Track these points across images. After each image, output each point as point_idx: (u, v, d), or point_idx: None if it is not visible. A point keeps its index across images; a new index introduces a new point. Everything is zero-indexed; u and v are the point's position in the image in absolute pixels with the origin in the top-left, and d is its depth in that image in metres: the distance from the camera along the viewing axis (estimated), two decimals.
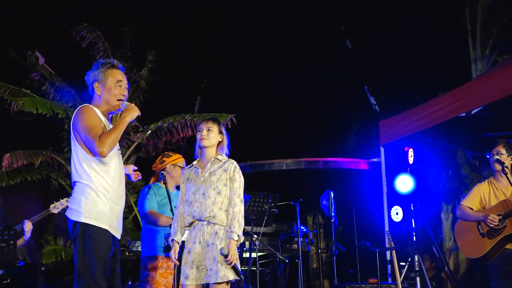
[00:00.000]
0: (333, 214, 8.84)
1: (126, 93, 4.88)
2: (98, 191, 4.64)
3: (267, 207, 8.04)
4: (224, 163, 5.17)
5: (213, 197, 5.09)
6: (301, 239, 8.44)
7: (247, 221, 7.77)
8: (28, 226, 8.12)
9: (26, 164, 9.92)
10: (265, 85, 12.89)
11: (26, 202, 10.49)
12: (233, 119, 10.40)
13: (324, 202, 8.87)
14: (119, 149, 4.93)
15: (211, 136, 5.16)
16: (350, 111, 12.77)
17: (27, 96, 9.88)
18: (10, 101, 9.68)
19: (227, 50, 12.48)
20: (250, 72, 12.90)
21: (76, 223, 4.63)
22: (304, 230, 8.76)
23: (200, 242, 5.06)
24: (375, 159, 10.82)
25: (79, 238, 4.62)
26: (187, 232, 5.14)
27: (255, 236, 7.46)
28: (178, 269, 5.32)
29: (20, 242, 8.23)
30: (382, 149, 9.85)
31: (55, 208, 8.05)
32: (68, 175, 10.40)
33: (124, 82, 4.89)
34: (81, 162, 4.67)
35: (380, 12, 11.99)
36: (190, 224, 5.12)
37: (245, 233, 7.42)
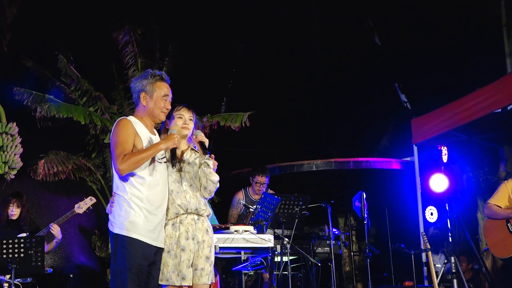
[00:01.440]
0: (365, 215, 8.79)
1: (170, 107, 5.02)
2: (131, 202, 4.75)
3: (297, 209, 8.00)
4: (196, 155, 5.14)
5: (200, 191, 5.08)
6: (333, 241, 8.42)
7: (278, 224, 7.81)
8: (55, 228, 8.22)
9: (61, 170, 9.99)
10: (294, 83, 12.84)
11: (60, 204, 10.59)
12: (247, 120, 10.35)
13: (356, 204, 8.84)
14: (162, 158, 4.98)
15: (191, 127, 5.15)
16: (381, 110, 12.69)
17: (52, 101, 9.96)
18: (35, 108, 9.75)
19: (252, 47, 12.43)
20: (277, 69, 12.86)
21: (112, 233, 4.80)
22: (336, 232, 8.72)
23: (193, 239, 4.99)
24: (408, 158, 10.79)
25: (113, 248, 4.81)
26: (168, 226, 5.00)
27: (286, 239, 7.46)
28: None
29: (51, 245, 8.34)
30: (415, 148, 9.80)
31: (80, 208, 8.14)
32: (99, 179, 10.54)
33: (170, 96, 5.03)
34: (119, 174, 4.80)
35: (409, 5, 11.89)
36: (175, 217, 5.02)
37: (275, 236, 7.47)
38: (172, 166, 4.93)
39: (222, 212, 9.32)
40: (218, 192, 11.46)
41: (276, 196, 7.73)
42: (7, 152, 9.33)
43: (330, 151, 13.08)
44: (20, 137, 9.46)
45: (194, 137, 5.07)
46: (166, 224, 4.99)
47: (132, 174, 4.77)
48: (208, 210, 5.12)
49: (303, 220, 8.19)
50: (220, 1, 11.76)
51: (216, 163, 5.16)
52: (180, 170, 5.06)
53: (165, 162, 5.03)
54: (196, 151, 5.12)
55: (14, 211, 8.31)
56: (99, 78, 10.57)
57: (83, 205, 8.09)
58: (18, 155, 9.41)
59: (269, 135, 12.99)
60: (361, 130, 13.03)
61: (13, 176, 9.44)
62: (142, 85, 4.99)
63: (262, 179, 8.79)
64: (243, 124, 10.40)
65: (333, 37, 12.82)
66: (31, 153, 9.90)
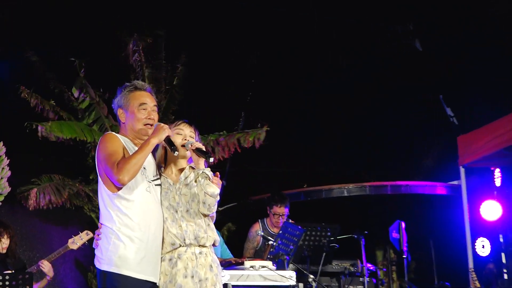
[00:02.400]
0: (405, 248, 8.59)
1: (153, 116, 4.85)
2: (120, 233, 4.58)
3: (325, 241, 7.86)
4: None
5: (199, 215, 4.84)
6: (368, 279, 8.22)
7: (302, 259, 7.62)
8: (46, 266, 8.10)
9: (53, 201, 9.90)
10: (323, 96, 12.71)
11: (54, 235, 10.48)
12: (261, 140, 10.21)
13: (393, 235, 8.63)
14: (154, 180, 4.82)
15: (194, 142, 4.94)
16: (423, 126, 12.48)
17: (55, 112, 9.94)
18: (34, 125, 9.67)
19: (271, 57, 12.34)
20: (303, 84, 12.74)
21: (100, 271, 4.64)
22: (371, 268, 8.56)
23: (192, 277, 4.74)
24: (455, 182, 10.58)
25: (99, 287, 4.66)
26: (164, 262, 4.78)
27: (311, 276, 7.25)
28: None
29: (42, 284, 8.20)
30: (462, 170, 9.61)
31: (74, 243, 8.01)
32: (97, 207, 10.39)
33: (150, 105, 4.86)
34: (104, 200, 4.67)
35: (452, 8, 11.74)
36: (172, 250, 4.79)
37: (299, 273, 7.25)
38: (173, 152, 4.74)
39: (238, 242, 9.16)
40: (234, 219, 11.61)
41: (299, 226, 7.51)
42: None
43: (364, 174, 12.85)
44: (7, 159, 9.34)
45: (189, 146, 4.85)
46: (162, 259, 4.79)
47: (120, 198, 4.60)
48: (212, 237, 4.86)
49: (332, 254, 8.01)
50: (233, 9, 11.67)
51: (220, 182, 4.94)
52: (175, 193, 4.84)
53: (157, 185, 4.84)
54: (194, 169, 4.91)
55: (5, 244, 8.16)
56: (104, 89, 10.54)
57: (78, 240, 7.97)
58: (6, 179, 9.29)
59: (296, 155, 12.81)
60: (400, 150, 12.82)
61: (0, 203, 9.32)
62: (117, 101, 4.92)
63: (281, 209, 8.56)
64: (257, 141, 10.24)
65: (365, 44, 12.69)
66: (21, 177, 9.81)
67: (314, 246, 7.78)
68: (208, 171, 4.79)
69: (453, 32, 11.76)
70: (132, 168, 4.53)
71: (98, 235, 4.70)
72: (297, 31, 12.29)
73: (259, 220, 8.88)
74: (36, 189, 9.85)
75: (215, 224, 10.48)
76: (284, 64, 12.63)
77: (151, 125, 4.80)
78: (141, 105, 4.82)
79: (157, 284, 4.71)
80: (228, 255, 8.08)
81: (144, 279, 4.60)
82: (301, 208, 10.43)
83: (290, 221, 8.71)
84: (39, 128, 9.72)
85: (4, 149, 9.36)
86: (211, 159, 4.78)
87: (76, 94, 10.43)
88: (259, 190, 11.30)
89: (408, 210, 11.19)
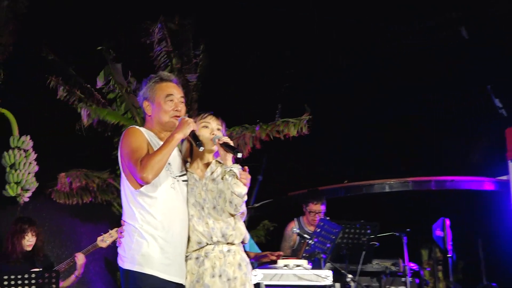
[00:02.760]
0: (449, 247, 8.49)
1: (181, 108, 4.81)
2: (143, 231, 4.55)
3: (364, 239, 7.80)
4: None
5: (226, 212, 4.77)
6: (410, 279, 8.13)
7: (340, 258, 7.56)
8: (80, 259, 8.12)
9: (82, 187, 9.89)
10: (360, 89, 12.60)
11: (83, 232, 10.53)
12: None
13: (437, 233, 8.53)
14: (180, 175, 4.79)
15: (221, 136, 4.86)
16: (470, 118, 12.30)
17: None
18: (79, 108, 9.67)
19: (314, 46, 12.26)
20: (342, 73, 12.65)
21: (123, 270, 4.62)
22: (414, 267, 8.44)
23: (220, 276, 4.68)
24: (504, 177, 10.43)
25: (123, 287, 4.63)
26: (190, 260, 4.74)
27: (350, 276, 7.19)
28: None
29: (69, 281, 8.23)
30: (510, 164, 9.45)
31: (103, 241, 8.01)
32: None
33: (177, 96, 4.81)
34: (127, 196, 4.64)
35: None
36: (198, 248, 4.75)
37: (336, 272, 7.20)
38: (199, 148, 4.67)
39: (277, 240, 9.12)
40: (272, 217, 11.56)
41: (337, 224, 7.46)
42: (20, 171, 9.32)
43: (407, 169, 12.71)
44: (35, 153, 9.43)
45: (216, 141, 4.81)
46: (188, 258, 4.75)
47: (143, 195, 4.57)
48: (241, 234, 4.82)
49: (372, 253, 7.95)
50: None
51: (249, 178, 4.90)
52: (201, 189, 4.82)
53: (184, 181, 4.80)
54: (222, 163, 4.87)
55: (31, 241, 8.19)
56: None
57: (108, 238, 7.96)
58: (33, 174, 9.38)
59: (336, 150, 12.73)
60: (445, 143, 12.66)
61: (27, 199, 9.40)
62: (143, 93, 4.88)
63: (317, 207, 8.54)
64: (301, 131, 10.16)
65: (410, 32, 12.55)
66: (48, 172, 9.83)
67: (353, 245, 7.72)
68: (236, 169, 4.71)
69: (501, 18, 11.55)
70: (156, 165, 4.48)
71: (121, 232, 4.69)
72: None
73: (295, 218, 8.85)
74: (64, 174, 9.78)
75: (250, 221, 10.55)
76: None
77: (178, 117, 4.75)
78: (167, 97, 4.77)
79: (183, 284, 4.67)
80: (256, 250, 8.04)
81: (168, 279, 4.57)
82: (341, 205, 10.37)
83: (328, 218, 8.70)
84: (83, 111, 9.70)
85: (31, 143, 9.45)
86: (240, 155, 4.69)
87: (99, 83, 10.37)
88: (297, 186, 11.22)
89: (454, 207, 11.09)
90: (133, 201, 4.60)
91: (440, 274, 12.27)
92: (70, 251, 9.49)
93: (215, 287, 4.65)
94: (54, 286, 7.02)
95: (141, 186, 4.55)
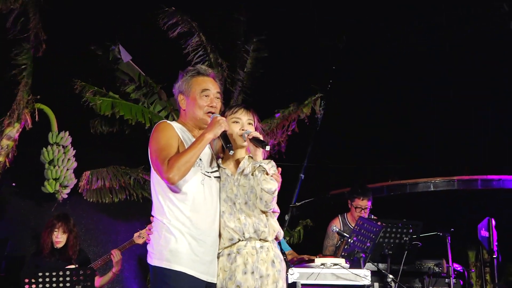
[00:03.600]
0: (495, 248, 8.28)
1: (216, 104, 4.75)
2: (171, 226, 4.52)
3: (407, 239, 7.63)
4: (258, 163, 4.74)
5: (258, 208, 4.70)
6: (454, 280, 7.97)
7: (382, 257, 7.44)
8: (116, 256, 8.11)
9: (109, 186, 9.87)
10: (407, 79, 12.43)
11: (120, 230, 10.53)
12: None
13: (482, 233, 8.32)
14: (212, 172, 4.73)
15: (251, 131, 4.79)
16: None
17: (111, 98, 9.93)
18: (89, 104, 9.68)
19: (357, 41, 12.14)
20: (388, 68, 12.50)
21: (151, 266, 4.60)
22: (458, 268, 8.27)
23: (253, 273, 4.62)
24: None
25: (151, 284, 4.63)
26: (222, 257, 4.70)
27: (391, 276, 7.04)
28: None
29: (106, 278, 8.22)
30: None
31: (140, 237, 7.99)
32: None
33: (213, 91, 4.76)
34: (156, 190, 4.62)
35: None
36: (230, 245, 4.70)
37: (377, 272, 7.07)
38: (229, 151, 4.60)
39: (315, 240, 9.07)
40: (311, 215, 11.44)
41: (378, 223, 7.32)
42: (58, 167, 9.33)
43: (454, 168, 12.50)
44: (73, 149, 9.44)
45: (246, 136, 4.72)
46: (220, 255, 4.70)
47: (172, 190, 4.52)
48: (274, 231, 4.73)
49: (415, 253, 7.78)
50: None
51: (280, 178, 4.80)
52: (233, 184, 4.74)
53: (216, 177, 4.74)
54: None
55: (60, 238, 8.21)
56: (160, 76, 10.50)
57: (145, 234, 7.91)
58: (71, 171, 9.40)
59: (382, 148, 12.58)
60: (494, 141, 12.44)
61: (66, 196, 9.42)
62: (179, 86, 4.84)
63: (363, 202, 8.48)
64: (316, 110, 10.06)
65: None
66: (87, 169, 9.87)
67: (395, 244, 7.55)
68: (265, 165, 4.65)
69: None
70: (183, 166, 4.43)
71: (150, 229, 4.65)
72: None
73: (339, 215, 8.78)
74: (89, 172, 9.81)
75: (292, 220, 10.44)
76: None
77: (212, 113, 4.70)
78: (203, 91, 4.73)
79: (214, 283, 4.63)
80: (287, 249, 7.95)
81: (197, 276, 4.52)
82: (385, 204, 10.22)
83: (373, 216, 8.58)
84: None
85: (70, 139, 9.47)
86: (268, 148, 4.65)
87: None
88: (339, 185, 11.11)
89: (502, 206, 10.86)
90: (163, 196, 4.56)
91: (487, 277, 12.05)
92: (107, 249, 9.54)
93: (247, 284, 4.61)
94: (89, 283, 7.00)
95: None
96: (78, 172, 9.60)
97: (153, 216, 4.64)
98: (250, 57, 10.85)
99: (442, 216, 10.67)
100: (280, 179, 4.77)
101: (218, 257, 4.69)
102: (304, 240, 11.23)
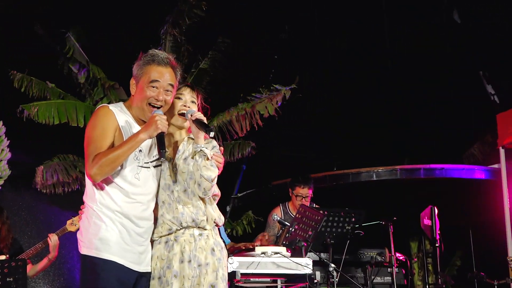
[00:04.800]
0: (437, 237, 8.32)
1: (163, 97, 4.45)
2: (101, 214, 4.36)
3: (349, 228, 7.63)
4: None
5: (197, 195, 4.56)
6: (397, 269, 8.01)
7: (324, 247, 7.42)
8: (53, 240, 7.91)
9: (62, 181, 9.70)
10: (355, 71, 12.47)
11: (63, 220, 10.36)
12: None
13: (425, 221, 8.35)
14: (152, 160, 4.55)
15: (194, 111, 4.63)
16: (461, 104, 12.17)
17: (53, 94, 9.72)
18: (21, 110, 9.53)
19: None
20: (336, 57, 12.55)
21: (81, 256, 4.44)
22: (401, 258, 8.27)
23: (190, 261, 4.51)
24: (496, 166, 10.28)
25: (80, 273, 4.50)
26: (159, 245, 4.58)
27: (333, 265, 6.97)
28: None
29: (43, 264, 8.03)
30: (501, 151, 9.30)
31: (73, 224, 7.81)
32: None
33: (164, 83, 4.45)
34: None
35: None
36: (168, 233, 4.57)
37: (320, 262, 7.03)
38: (161, 158, 4.39)
39: (258, 232, 8.97)
40: (256, 208, 11.36)
41: (318, 211, 7.26)
42: None
43: (398, 158, 12.57)
44: (7, 140, 9.23)
45: (189, 116, 4.55)
46: (158, 243, 4.58)
47: (106, 179, 4.35)
48: (212, 219, 4.61)
49: (357, 242, 7.76)
50: None
51: (223, 160, 4.68)
52: (172, 170, 4.59)
53: (155, 167, 4.57)
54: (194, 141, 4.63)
55: None
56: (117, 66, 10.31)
57: (77, 221, 7.71)
58: (6, 162, 9.16)
59: (327, 138, 12.60)
60: (436, 131, 12.55)
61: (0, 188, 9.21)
62: (134, 69, 4.57)
63: (304, 191, 8.43)
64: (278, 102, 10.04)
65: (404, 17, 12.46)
66: (36, 158, 9.72)
67: (337, 233, 7.55)
68: (207, 150, 4.51)
69: (495, 2, 11.43)
70: (107, 166, 4.26)
71: (81, 215, 4.51)
72: None
73: (280, 204, 8.72)
74: (42, 167, 9.63)
75: (233, 211, 10.35)
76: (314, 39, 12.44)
77: (158, 108, 4.43)
78: (152, 82, 4.43)
79: (147, 272, 4.50)
80: (225, 240, 7.87)
81: (128, 266, 4.39)
82: (326, 194, 10.21)
83: (315, 205, 8.53)
84: (24, 112, 9.52)
85: (3, 129, 9.23)
86: (212, 134, 4.47)
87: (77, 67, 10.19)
88: (282, 175, 11.05)
89: (446, 197, 10.99)
90: (94, 182, 4.39)
91: (430, 267, 12.14)
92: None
93: (184, 273, 4.49)
94: (20, 275, 6.85)
95: None
96: (25, 162, 9.38)
97: (84, 202, 4.48)
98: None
99: (386, 206, 10.70)
100: (222, 160, 4.66)
101: (155, 245, 4.57)
102: (246, 233, 11.15)
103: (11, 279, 6.80)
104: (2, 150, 9.19)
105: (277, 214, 8.38)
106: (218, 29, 11.05)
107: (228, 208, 10.67)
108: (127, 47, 9.83)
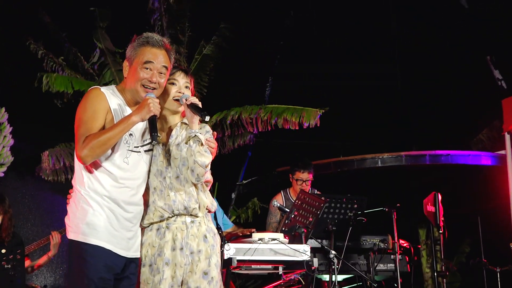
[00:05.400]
0: (441, 223, 8.23)
1: (157, 79, 4.41)
2: (89, 198, 4.31)
3: (351, 214, 7.59)
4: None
5: (190, 182, 4.51)
6: (400, 256, 7.94)
7: (326, 233, 7.38)
8: (55, 238, 7.90)
9: (69, 165, 9.68)
10: (362, 57, 12.39)
11: (66, 207, 10.34)
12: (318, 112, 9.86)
13: (428, 208, 8.25)
14: (143, 145, 4.50)
15: (189, 96, 4.58)
16: (468, 90, 12.05)
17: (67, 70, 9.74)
18: (40, 77, 9.48)
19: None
20: (341, 44, 12.46)
21: (69, 240, 4.39)
22: (405, 244, 8.19)
23: (182, 249, 4.47)
24: (503, 152, 10.17)
25: (68, 259, 4.45)
26: (151, 232, 4.54)
27: (333, 252, 6.92)
28: None
29: (42, 260, 8.01)
30: (507, 137, 9.18)
31: None
32: None
33: (158, 65, 4.41)
34: (77, 160, 4.36)
35: None
36: (160, 220, 4.52)
37: (321, 249, 6.96)
38: (153, 141, 4.33)
39: (263, 218, 8.97)
40: (260, 195, 11.30)
41: (321, 197, 7.19)
42: None
43: (409, 145, 12.47)
44: (10, 126, 9.19)
45: (184, 101, 4.50)
46: (149, 230, 4.53)
47: (95, 163, 4.30)
48: (204, 207, 4.56)
49: (360, 229, 7.74)
50: None
51: (215, 145, 4.62)
52: (164, 156, 4.52)
53: (146, 151, 4.51)
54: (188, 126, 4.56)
55: None
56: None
57: None
58: (8, 148, 9.12)
59: (333, 125, 12.51)
60: (443, 117, 12.44)
61: (2, 174, 9.16)
62: (127, 51, 4.51)
63: (304, 175, 8.43)
64: (315, 124, 9.92)
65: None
66: (37, 145, 9.71)
67: (339, 220, 7.52)
68: (201, 135, 4.46)
69: None
70: (98, 148, 4.21)
71: (69, 199, 4.46)
72: None
73: (282, 190, 8.69)
74: (48, 152, 9.61)
75: (238, 198, 10.29)
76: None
77: (150, 89, 4.39)
78: (145, 63, 4.39)
79: (135, 257, 4.47)
80: (228, 225, 7.83)
81: (116, 252, 4.34)
82: (331, 180, 10.14)
83: (316, 192, 8.48)
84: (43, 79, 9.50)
85: (6, 116, 9.19)
86: (207, 118, 4.42)
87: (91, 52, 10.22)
88: (286, 163, 11.00)
89: (452, 183, 10.90)
90: (83, 165, 4.33)
91: (438, 254, 12.05)
92: (51, 229, 9.29)
93: (175, 261, 4.46)
94: (19, 268, 6.84)
95: None
96: (26, 150, 9.35)
97: (73, 186, 4.44)
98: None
99: (392, 193, 10.61)
100: (215, 145, 4.62)
101: (146, 232, 4.53)
102: (251, 220, 11.10)
103: (9, 265, 6.76)
104: (5, 136, 9.15)
105: (277, 200, 8.34)
106: (220, 15, 10.97)
107: (233, 195, 10.66)
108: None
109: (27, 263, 7.78)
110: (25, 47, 9.83)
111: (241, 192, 10.89)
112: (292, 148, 11.99)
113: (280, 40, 11.95)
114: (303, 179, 8.39)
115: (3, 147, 9.11)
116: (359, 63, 12.48)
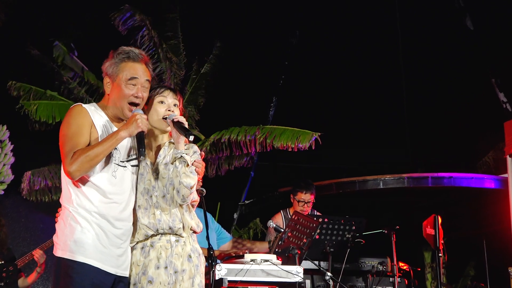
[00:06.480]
0: (441, 246, 8.13)
1: (142, 94, 4.40)
2: (77, 215, 4.27)
3: (349, 236, 7.49)
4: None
5: (176, 202, 4.47)
6: (399, 279, 7.82)
7: (323, 255, 7.29)
8: (38, 254, 7.92)
9: (50, 186, 9.65)
10: (369, 75, 12.37)
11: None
12: (318, 138, 9.78)
13: (427, 230, 8.15)
14: (129, 160, 4.47)
15: (176, 115, 4.53)
16: (472, 113, 12.01)
17: (51, 99, 9.68)
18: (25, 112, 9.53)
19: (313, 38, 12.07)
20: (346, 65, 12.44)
21: (56, 259, 4.33)
22: (405, 267, 8.09)
23: (166, 268, 4.42)
24: (506, 175, 10.09)
25: (54, 276, 4.36)
26: (135, 250, 4.48)
27: (329, 274, 6.83)
28: None
29: (32, 277, 8.03)
30: (509, 160, 9.10)
31: None
32: None
33: (142, 79, 4.41)
34: (65, 176, 4.34)
35: None
36: (145, 239, 4.48)
37: (318, 271, 6.90)
38: (139, 156, 4.32)
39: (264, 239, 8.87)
40: (262, 216, 11.24)
41: (318, 219, 7.13)
42: None
43: (414, 167, 12.41)
44: (11, 144, 9.21)
45: (169, 120, 4.47)
46: (134, 248, 4.49)
47: (82, 179, 4.27)
48: (188, 227, 4.51)
49: (358, 251, 7.63)
50: None
51: (203, 165, 4.57)
52: (152, 175, 4.49)
53: (133, 166, 4.48)
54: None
55: None
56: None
57: None
58: (9, 166, 9.16)
59: (336, 148, 12.47)
60: (447, 140, 12.40)
61: (2, 192, 9.19)
62: (106, 67, 4.48)
63: (306, 196, 8.35)
64: (311, 147, 9.85)
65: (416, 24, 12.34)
66: (29, 164, 9.66)
67: (337, 241, 7.43)
68: (187, 156, 4.42)
69: (507, 9, 11.26)
70: (87, 163, 4.18)
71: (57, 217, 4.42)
72: None
73: (281, 210, 8.63)
74: (30, 172, 9.63)
75: (241, 218, 10.23)
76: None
77: (136, 105, 4.38)
78: (130, 80, 4.38)
79: (126, 276, 4.41)
80: (226, 239, 7.71)
81: (104, 269, 4.29)
82: (332, 201, 10.10)
83: (316, 212, 8.41)
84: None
85: (7, 133, 9.24)
86: (192, 138, 4.38)
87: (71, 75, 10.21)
88: (289, 184, 10.97)
89: (454, 205, 10.83)
90: (71, 182, 4.30)
91: (444, 279, 11.95)
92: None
93: (159, 279, 4.42)
94: (11, 279, 6.84)
95: None
96: (19, 169, 9.36)
97: (61, 204, 4.39)
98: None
99: (396, 215, 10.57)
100: (202, 165, 4.59)
101: (132, 251, 4.48)
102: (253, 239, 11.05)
103: (2, 283, 6.77)
104: (6, 154, 9.20)
105: (274, 220, 8.26)
106: (217, 34, 10.99)
107: (235, 215, 10.60)
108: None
109: (21, 280, 7.79)
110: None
111: (243, 212, 10.84)
112: (295, 169, 11.96)
113: (285, 60, 11.91)
114: (305, 200, 8.34)
115: (4, 164, 9.15)
116: (365, 84, 12.46)
